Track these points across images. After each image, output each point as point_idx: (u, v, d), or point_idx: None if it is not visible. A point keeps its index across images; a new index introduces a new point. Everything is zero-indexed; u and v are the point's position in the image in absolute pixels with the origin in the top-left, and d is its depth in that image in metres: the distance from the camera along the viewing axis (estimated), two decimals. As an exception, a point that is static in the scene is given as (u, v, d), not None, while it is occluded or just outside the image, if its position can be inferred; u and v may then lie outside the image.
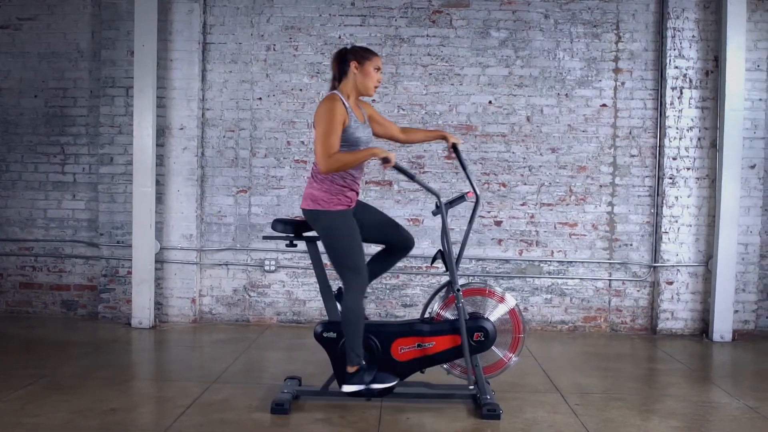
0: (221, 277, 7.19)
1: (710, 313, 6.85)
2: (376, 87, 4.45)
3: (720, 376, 5.78)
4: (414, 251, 6.84)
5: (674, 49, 6.92)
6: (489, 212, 7.07)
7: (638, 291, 7.10)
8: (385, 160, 4.24)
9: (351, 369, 4.34)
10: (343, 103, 4.28)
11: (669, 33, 6.92)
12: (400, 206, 7.06)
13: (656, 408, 4.73)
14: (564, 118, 7.07)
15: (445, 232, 4.49)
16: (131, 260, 6.89)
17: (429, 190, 4.57)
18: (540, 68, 7.07)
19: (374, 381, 4.31)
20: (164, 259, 7.07)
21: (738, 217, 6.81)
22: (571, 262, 7.10)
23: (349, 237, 4.31)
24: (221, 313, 7.19)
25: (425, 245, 7.03)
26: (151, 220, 6.84)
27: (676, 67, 6.94)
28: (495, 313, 4.62)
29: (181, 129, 7.04)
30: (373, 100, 6.97)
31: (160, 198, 7.00)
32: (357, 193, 4.44)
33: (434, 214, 4.52)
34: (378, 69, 4.42)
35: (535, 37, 7.07)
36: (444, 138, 4.75)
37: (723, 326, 6.77)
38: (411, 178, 4.53)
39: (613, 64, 7.06)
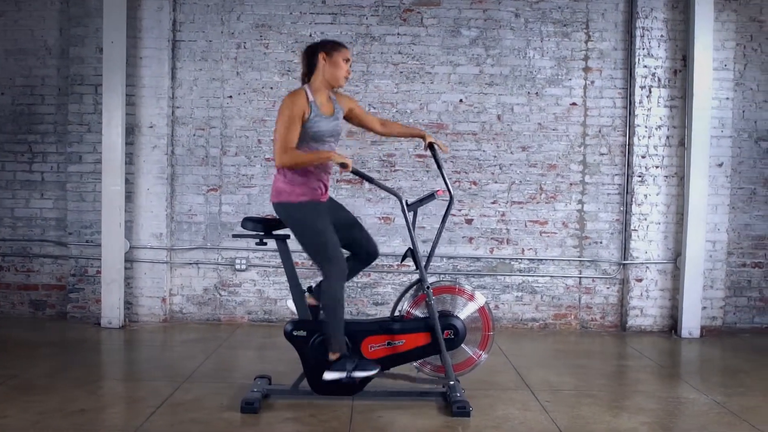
0: (192, 276, 7.14)
1: (679, 309, 6.93)
2: (346, 78, 4.47)
3: (688, 372, 5.85)
4: (385, 249, 6.97)
5: (643, 49, 6.98)
6: (460, 210, 7.09)
7: (608, 288, 7.15)
8: (343, 165, 4.23)
9: (333, 356, 4.32)
10: (307, 97, 4.31)
11: (638, 32, 6.98)
12: (372, 204, 7.05)
13: (626, 404, 4.78)
14: (534, 117, 7.11)
15: (410, 231, 4.53)
16: (100, 259, 6.82)
17: (389, 191, 4.62)
18: (510, 67, 7.10)
19: (356, 369, 4.29)
20: (134, 258, 7.01)
21: (706, 214, 6.89)
22: (541, 259, 7.14)
23: (318, 228, 4.29)
24: (192, 312, 7.15)
25: (396, 243, 7.04)
26: (120, 219, 6.78)
27: (645, 66, 7.00)
28: (465, 311, 4.65)
29: (151, 127, 6.98)
30: (345, 99, 6.97)
31: (129, 197, 6.94)
32: (326, 186, 4.43)
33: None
34: (347, 60, 4.45)
35: (506, 36, 7.09)
36: (422, 137, 4.77)
37: (691, 323, 6.85)
38: (370, 181, 4.53)
39: (583, 63, 7.11)
